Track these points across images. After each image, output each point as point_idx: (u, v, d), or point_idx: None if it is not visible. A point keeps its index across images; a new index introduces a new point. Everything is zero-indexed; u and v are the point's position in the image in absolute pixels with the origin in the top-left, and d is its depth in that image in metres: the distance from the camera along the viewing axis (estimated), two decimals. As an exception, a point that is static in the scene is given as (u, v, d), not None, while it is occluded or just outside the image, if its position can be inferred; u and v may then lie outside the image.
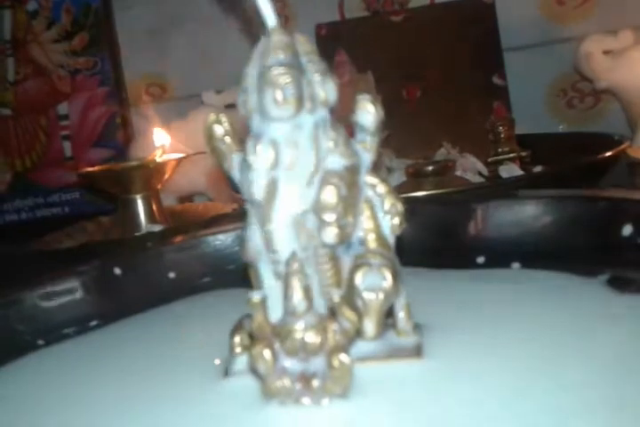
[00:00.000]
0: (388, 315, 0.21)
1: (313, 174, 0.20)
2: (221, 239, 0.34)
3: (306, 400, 0.19)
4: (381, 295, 0.20)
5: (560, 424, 0.17)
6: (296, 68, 0.19)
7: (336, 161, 0.20)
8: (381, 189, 0.21)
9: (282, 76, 0.19)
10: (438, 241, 0.32)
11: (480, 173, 0.57)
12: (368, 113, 0.21)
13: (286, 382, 0.18)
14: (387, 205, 0.21)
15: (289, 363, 0.19)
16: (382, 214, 0.21)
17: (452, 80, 0.66)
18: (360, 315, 0.20)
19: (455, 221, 0.32)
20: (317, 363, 0.18)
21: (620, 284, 0.25)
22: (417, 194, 0.43)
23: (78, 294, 0.31)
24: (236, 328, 0.21)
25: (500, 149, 0.58)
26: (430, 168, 0.52)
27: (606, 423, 0.17)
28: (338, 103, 0.20)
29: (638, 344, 0.20)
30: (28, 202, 0.81)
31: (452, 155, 0.59)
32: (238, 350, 0.21)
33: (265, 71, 0.19)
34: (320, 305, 0.19)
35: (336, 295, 0.20)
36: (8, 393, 0.25)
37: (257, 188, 0.20)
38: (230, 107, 0.66)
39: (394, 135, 0.53)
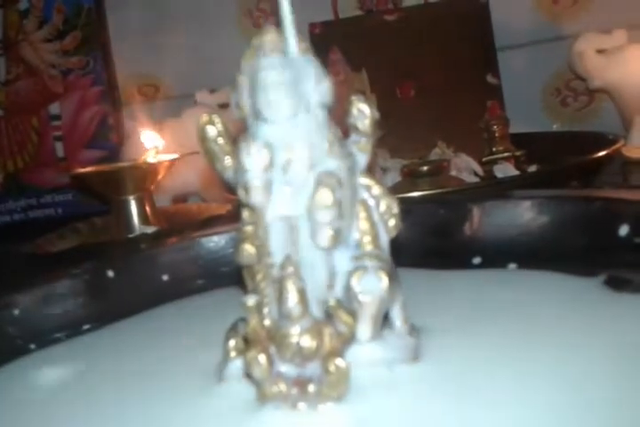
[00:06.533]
0: (385, 317, 0.21)
1: (307, 176, 0.20)
2: (215, 241, 0.33)
3: (302, 405, 0.18)
4: (377, 298, 0.20)
5: (560, 424, 0.17)
6: (290, 68, 0.19)
7: (331, 162, 0.20)
8: (376, 190, 0.21)
9: (275, 78, 0.19)
10: (434, 242, 0.32)
11: (475, 173, 0.57)
12: (362, 114, 0.20)
13: (282, 386, 0.18)
14: (382, 206, 0.21)
15: (284, 368, 0.18)
16: (378, 216, 0.21)
17: (446, 79, 0.66)
18: (356, 318, 0.20)
19: (451, 222, 0.32)
20: (313, 367, 0.18)
21: (617, 284, 0.25)
22: (412, 194, 0.43)
23: (71, 297, 0.31)
24: (231, 332, 0.21)
25: (494, 149, 0.58)
26: (425, 168, 0.52)
27: (607, 422, 0.17)
28: (332, 102, 0.20)
29: (637, 344, 0.20)
30: (20, 203, 0.81)
31: (447, 154, 0.59)
32: (233, 354, 0.21)
33: (258, 72, 0.19)
34: (315, 309, 0.19)
35: (331, 299, 0.19)
36: (-1, 398, 0.24)
37: (251, 190, 0.20)
38: (224, 106, 0.66)
39: (388, 135, 0.53)
